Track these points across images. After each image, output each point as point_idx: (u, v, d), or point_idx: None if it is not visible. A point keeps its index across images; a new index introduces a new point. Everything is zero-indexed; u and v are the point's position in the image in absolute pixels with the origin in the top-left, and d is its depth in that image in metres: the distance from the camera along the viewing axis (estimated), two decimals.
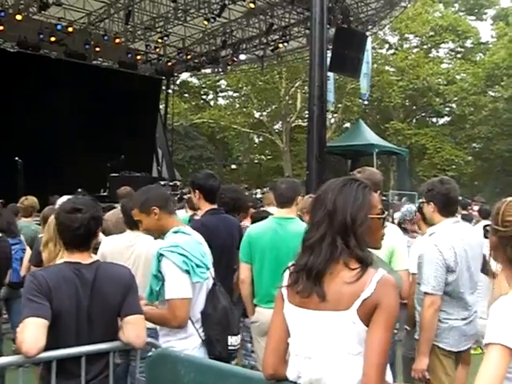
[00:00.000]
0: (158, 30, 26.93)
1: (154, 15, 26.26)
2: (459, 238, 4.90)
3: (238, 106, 53.26)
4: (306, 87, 39.86)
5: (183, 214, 8.98)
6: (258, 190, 24.50)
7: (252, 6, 23.61)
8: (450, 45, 50.81)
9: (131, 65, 28.38)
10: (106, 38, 25.47)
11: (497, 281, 4.12)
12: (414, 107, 50.50)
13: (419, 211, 7.52)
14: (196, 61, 30.25)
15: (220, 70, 33.03)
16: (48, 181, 18.42)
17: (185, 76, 44.55)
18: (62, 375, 3.52)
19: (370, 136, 31.29)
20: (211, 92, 55.47)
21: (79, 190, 14.29)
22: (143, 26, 26.83)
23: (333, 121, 45.08)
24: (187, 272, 4.04)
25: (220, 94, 55.90)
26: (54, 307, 3.47)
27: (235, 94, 53.87)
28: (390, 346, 2.73)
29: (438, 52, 51.47)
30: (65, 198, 7.18)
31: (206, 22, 25.43)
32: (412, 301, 5.09)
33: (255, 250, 5.74)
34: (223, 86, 53.65)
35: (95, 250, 5.31)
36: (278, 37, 27.53)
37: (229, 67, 32.17)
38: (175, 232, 4.28)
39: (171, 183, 22.26)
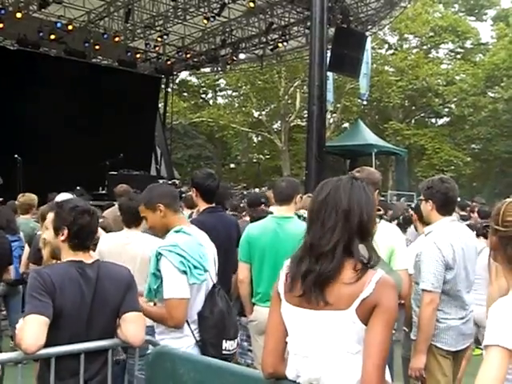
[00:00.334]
0: (158, 28, 26.92)
1: (154, 14, 26.25)
2: (457, 236, 4.91)
3: (237, 105, 53.27)
4: (305, 87, 39.91)
5: None
6: (257, 190, 24.52)
7: (252, 5, 23.60)
8: (450, 45, 50.80)
9: (130, 63, 28.36)
10: (105, 36, 25.45)
11: (494, 280, 4.12)
12: (413, 107, 50.50)
13: (415, 211, 7.54)
14: (195, 60, 30.24)
15: (219, 69, 33.03)
16: (47, 178, 18.40)
17: (184, 75, 44.68)
18: (60, 373, 3.53)
19: (368, 136, 31.31)
20: (210, 91, 55.48)
21: (78, 187, 14.31)
22: (143, 25, 26.83)
23: (332, 121, 45.04)
24: (184, 272, 4.03)
25: (219, 93, 55.99)
26: (57, 305, 3.48)
27: (234, 93, 53.92)
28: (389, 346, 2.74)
29: (437, 52, 51.54)
30: (63, 195, 7.19)
31: (205, 21, 25.40)
32: (409, 301, 5.09)
33: (254, 249, 5.73)
34: (222, 85, 53.66)
35: (94, 246, 5.33)
36: (277, 36, 27.52)
37: (228, 66, 32.18)
38: (176, 231, 4.27)
39: (170, 182, 22.21)
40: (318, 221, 2.75)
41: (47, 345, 3.41)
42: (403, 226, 8.97)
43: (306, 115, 32.97)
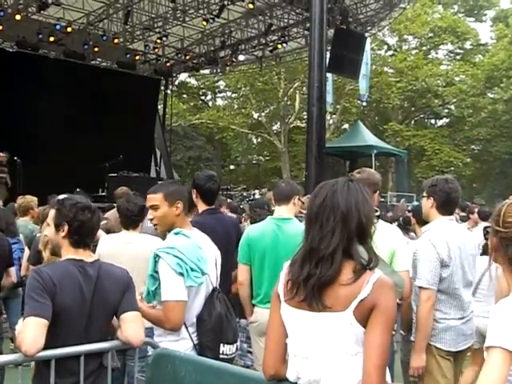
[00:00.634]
0: (157, 30, 26.89)
1: (153, 15, 26.22)
2: (453, 235, 4.93)
3: (236, 106, 53.23)
4: (304, 88, 39.86)
5: None
6: (257, 191, 24.54)
7: (251, 6, 23.58)
8: (449, 46, 50.80)
9: (130, 65, 28.35)
10: (104, 38, 25.41)
11: (499, 283, 4.12)
12: (413, 108, 50.52)
13: (413, 215, 7.54)
14: (195, 61, 30.22)
15: (219, 70, 33.01)
16: (46, 180, 18.41)
17: (183, 76, 44.66)
18: (57, 373, 3.53)
19: (368, 137, 31.33)
20: (210, 92, 55.49)
21: (77, 189, 14.29)
22: (142, 27, 26.81)
23: (331, 122, 45.03)
24: (181, 275, 4.03)
25: (218, 95, 56.02)
26: (58, 303, 3.49)
27: (234, 95, 53.86)
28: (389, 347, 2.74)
29: (437, 53, 51.52)
30: (61, 197, 7.19)
31: (204, 23, 25.35)
32: (408, 304, 5.08)
33: (254, 251, 5.74)
34: (222, 87, 53.68)
35: (94, 247, 5.34)
36: (276, 37, 27.50)
37: (227, 68, 32.18)
38: (176, 233, 4.27)
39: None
40: (317, 224, 2.76)
41: (47, 343, 3.41)
42: (404, 227, 8.97)
43: (305, 116, 32.94)
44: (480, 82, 45.82)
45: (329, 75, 24.56)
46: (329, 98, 28.37)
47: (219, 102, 56.05)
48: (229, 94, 54.68)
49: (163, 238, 4.47)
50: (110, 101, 24.72)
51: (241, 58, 30.16)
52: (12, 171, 17.44)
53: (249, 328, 6.11)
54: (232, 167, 49.03)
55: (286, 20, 26.83)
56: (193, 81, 50.74)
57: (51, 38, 24.18)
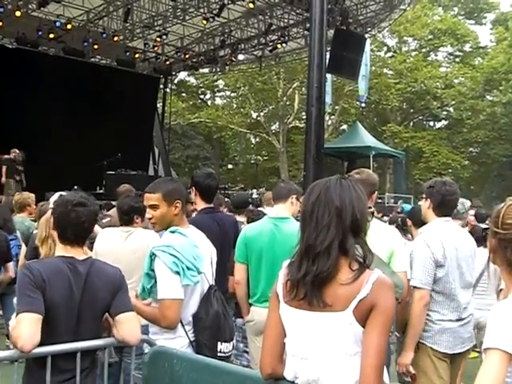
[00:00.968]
0: (157, 28, 26.88)
1: (153, 14, 26.20)
2: (449, 236, 4.96)
3: (235, 106, 53.25)
4: (303, 88, 39.87)
5: None
6: (254, 191, 24.54)
7: (251, 6, 23.56)
8: (449, 48, 50.90)
9: (129, 63, 28.36)
10: (104, 35, 25.41)
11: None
12: (412, 110, 50.60)
13: (410, 217, 7.54)
14: (194, 60, 30.22)
15: (218, 69, 33.01)
16: (45, 177, 18.42)
17: (183, 75, 44.70)
18: (46, 371, 3.52)
19: (366, 138, 31.40)
20: (209, 92, 55.53)
21: (75, 187, 14.27)
22: (142, 25, 26.78)
23: (330, 122, 45.05)
24: (177, 273, 4.01)
25: (217, 94, 56.03)
26: (47, 299, 3.49)
27: (233, 94, 53.91)
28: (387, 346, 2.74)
29: (436, 55, 51.63)
30: (58, 194, 7.19)
31: (204, 22, 25.34)
32: (404, 305, 5.07)
33: (251, 250, 5.74)
34: (221, 86, 53.68)
35: (91, 244, 5.34)
36: (276, 37, 27.49)
37: (227, 67, 32.20)
38: (172, 232, 4.25)
39: None
40: (312, 222, 2.76)
41: (40, 339, 3.42)
42: (401, 228, 8.97)
43: (304, 117, 32.94)
44: (479, 85, 45.91)
45: (328, 76, 24.54)
46: (328, 99, 28.34)
47: (218, 101, 56.18)
48: (228, 93, 54.79)
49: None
50: (109, 98, 24.71)
51: (240, 57, 30.20)
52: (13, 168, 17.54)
53: (245, 327, 6.10)
54: (230, 166, 49.09)
55: (286, 20, 26.81)
56: (192, 79, 50.81)
57: (51, 35, 24.17)
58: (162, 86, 32.72)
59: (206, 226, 5.07)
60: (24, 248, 8.06)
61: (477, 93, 46.02)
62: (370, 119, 50.78)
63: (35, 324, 3.38)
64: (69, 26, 23.96)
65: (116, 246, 5.56)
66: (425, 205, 5.15)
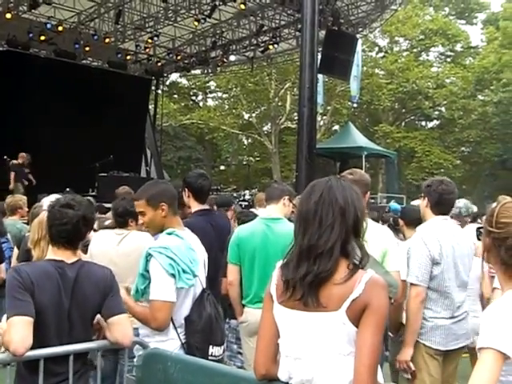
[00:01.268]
0: (148, 30, 26.89)
1: (145, 15, 26.21)
2: (447, 234, 5.00)
3: (227, 107, 53.22)
4: (295, 89, 39.85)
5: None
6: (247, 192, 24.52)
7: (243, 7, 23.61)
8: (440, 48, 50.97)
9: (121, 65, 28.31)
10: (95, 37, 25.39)
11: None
12: (404, 110, 50.66)
13: (401, 217, 7.55)
14: (186, 61, 30.22)
15: (210, 70, 33.07)
16: (37, 180, 18.40)
17: (174, 77, 44.70)
18: (37, 374, 3.51)
19: (359, 139, 31.42)
20: (200, 93, 55.46)
21: (67, 189, 14.25)
22: (133, 26, 26.81)
23: (322, 123, 45.10)
24: (173, 276, 4.00)
25: (209, 95, 56.00)
26: (36, 301, 3.48)
27: (224, 95, 53.89)
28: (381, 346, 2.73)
29: (427, 55, 51.69)
30: (52, 196, 7.17)
31: (196, 23, 25.34)
32: (397, 305, 5.08)
33: (244, 251, 5.74)
34: (213, 87, 53.62)
35: (85, 248, 5.32)
36: (268, 38, 27.52)
37: (218, 68, 32.22)
38: (169, 233, 4.24)
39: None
40: (315, 221, 2.73)
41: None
42: (394, 227, 8.96)
43: (296, 117, 32.91)
44: (470, 85, 46.03)
45: (320, 76, 24.55)
46: (320, 99, 28.34)
47: (210, 102, 56.09)
48: (220, 94, 54.72)
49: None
50: (101, 100, 24.61)
51: (232, 58, 30.25)
52: (1, 170, 17.45)
53: (239, 328, 6.09)
54: (222, 168, 49.07)
55: (277, 21, 26.84)
56: (184, 81, 50.71)
57: (42, 37, 24.10)
58: (153, 88, 32.67)
59: (200, 229, 5.06)
60: (16, 251, 8.03)
61: (468, 92, 46.15)
62: (361, 119, 50.83)
63: (27, 327, 3.38)
64: (60, 28, 23.87)
65: (110, 248, 5.55)
66: (423, 203, 5.21)
